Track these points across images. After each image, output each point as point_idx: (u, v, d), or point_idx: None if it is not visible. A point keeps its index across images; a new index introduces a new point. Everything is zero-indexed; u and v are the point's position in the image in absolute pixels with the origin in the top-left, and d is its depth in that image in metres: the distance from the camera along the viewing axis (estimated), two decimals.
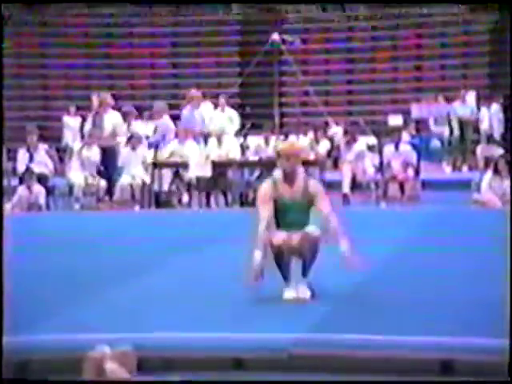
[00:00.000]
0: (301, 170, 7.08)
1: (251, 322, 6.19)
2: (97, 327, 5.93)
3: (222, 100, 17.48)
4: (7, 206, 14.88)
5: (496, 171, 14.31)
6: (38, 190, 15.00)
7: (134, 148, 15.72)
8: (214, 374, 5.40)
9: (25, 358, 5.53)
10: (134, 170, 15.56)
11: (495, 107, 19.29)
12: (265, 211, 6.85)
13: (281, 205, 6.90)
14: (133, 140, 15.87)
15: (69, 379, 4.81)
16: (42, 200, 15.00)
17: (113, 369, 3.83)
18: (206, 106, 16.95)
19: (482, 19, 21.42)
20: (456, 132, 19.37)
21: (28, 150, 15.90)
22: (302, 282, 6.83)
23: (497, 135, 18.98)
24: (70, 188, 15.48)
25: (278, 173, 7.10)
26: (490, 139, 18.84)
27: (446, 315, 6.24)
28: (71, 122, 19.30)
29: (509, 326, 5.48)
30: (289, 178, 6.96)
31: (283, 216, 6.91)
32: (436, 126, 19.74)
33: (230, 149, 15.98)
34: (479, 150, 18.52)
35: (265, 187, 7.04)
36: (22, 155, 15.85)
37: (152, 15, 22.53)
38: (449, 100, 19.83)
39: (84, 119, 17.31)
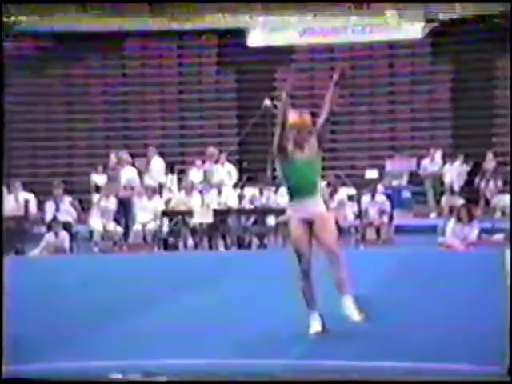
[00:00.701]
0: (312, 139, 6.57)
1: (248, 350, 6.12)
2: (110, 355, 5.84)
3: (222, 157, 17.56)
4: (36, 251, 14.81)
5: (458, 218, 14.33)
6: (63, 235, 14.95)
7: (149, 198, 15.74)
8: None
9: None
10: (145, 218, 15.54)
11: (457, 164, 19.40)
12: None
13: (292, 165, 6.46)
14: (147, 191, 15.90)
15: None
16: (66, 244, 14.95)
17: None
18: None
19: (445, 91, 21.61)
20: (427, 185, 19.46)
21: (54, 201, 15.89)
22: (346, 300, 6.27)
23: (457, 187, 19.06)
24: (90, 233, 15.45)
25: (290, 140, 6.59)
26: (452, 191, 18.90)
27: (420, 344, 6.16)
28: (98, 179, 19.06)
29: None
30: (298, 145, 6.51)
31: (295, 177, 6.46)
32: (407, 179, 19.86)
33: (229, 198, 16.00)
34: (444, 199, 18.56)
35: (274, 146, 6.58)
36: (49, 206, 15.84)
37: (161, 84, 22.71)
38: (418, 157, 19.94)
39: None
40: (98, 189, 18.17)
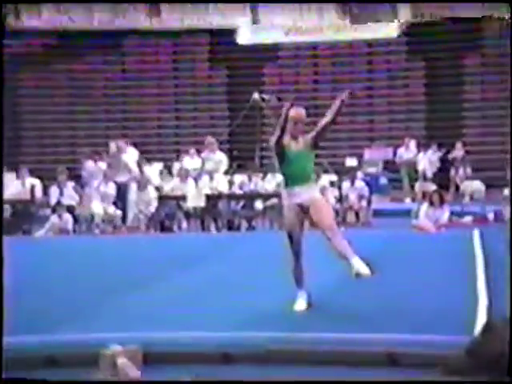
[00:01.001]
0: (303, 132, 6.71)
1: (237, 324, 6.11)
2: (108, 329, 5.83)
3: (214, 145, 17.50)
4: (41, 232, 14.74)
5: (430, 202, 14.36)
6: (67, 218, 14.88)
7: (145, 185, 15.67)
8: (205, 367, 5.31)
9: (49, 352, 5.42)
10: (143, 202, 15.48)
11: (430, 152, 19.43)
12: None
13: (288, 156, 6.56)
14: (143, 179, 15.82)
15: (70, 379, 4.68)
16: (70, 226, 14.89)
17: (123, 363, 3.77)
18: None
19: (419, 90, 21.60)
20: (402, 172, 19.48)
21: (58, 186, 15.81)
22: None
23: (430, 174, 19.10)
24: (92, 217, 15.38)
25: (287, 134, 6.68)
26: (425, 177, 18.93)
27: (398, 318, 6.18)
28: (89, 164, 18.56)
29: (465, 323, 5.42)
30: (294, 136, 6.63)
31: (290, 167, 6.55)
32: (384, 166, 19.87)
33: (220, 184, 15.96)
34: (417, 185, 18.60)
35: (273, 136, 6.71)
36: (54, 191, 15.76)
37: (158, 79, 22.59)
38: (395, 147, 19.95)
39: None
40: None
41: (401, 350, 5.26)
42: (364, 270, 6.39)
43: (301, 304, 6.55)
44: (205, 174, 16.33)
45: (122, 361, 3.73)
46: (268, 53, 22.19)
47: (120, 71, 22.95)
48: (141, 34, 22.58)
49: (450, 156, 19.22)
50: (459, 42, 20.91)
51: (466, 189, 17.94)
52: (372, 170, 19.65)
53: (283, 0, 21.38)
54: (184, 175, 16.03)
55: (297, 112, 6.73)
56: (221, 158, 17.21)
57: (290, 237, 6.55)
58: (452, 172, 18.94)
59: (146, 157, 17.93)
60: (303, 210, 6.52)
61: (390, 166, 19.97)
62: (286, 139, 6.62)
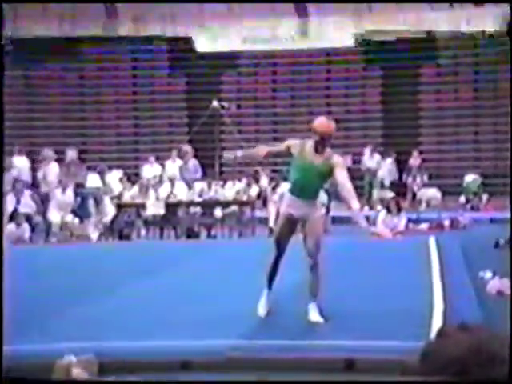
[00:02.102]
0: (328, 148, 6.28)
1: (196, 332, 6.07)
2: (66, 338, 5.74)
3: (173, 153, 17.44)
4: None
5: (388, 210, 14.50)
6: (24, 227, 14.65)
7: (105, 193, 15.53)
8: (164, 374, 5.26)
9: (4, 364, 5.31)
10: (102, 210, 15.32)
11: (388, 161, 19.62)
12: (280, 145, 6.41)
13: (302, 167, 6.23)
14: (103, 188, 15.67)
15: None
16: (26, 235, 14.65)
17: (78, 373, 3.71)
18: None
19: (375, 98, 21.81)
20: (366, 180, 19.63)
21: (15, 194, 15.56)
22: (311, 304, 6.29)
23: (388, 182, 19.28)
24: (49, 225, 15.16)
25: (310, 143, 6.30)
26: (383, 185, 19.11)
27: (354, 324, 6.20)
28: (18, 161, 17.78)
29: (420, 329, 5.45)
30: (318, 151, 6.22)
31: (301, 179, 6.27)
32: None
33: (180, 191, 15.89)
34: (375, 193, 18.77)
35: (296, 141, 6.41)
36: (10, 199, 15.50)
37: (117, 86, 22.41)
38: (353, 155, 20.10)
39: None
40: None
41: (358, 355, 5.27)
42: (317, 319, 6.31)
43: (264, 305, 6.53)
44: (165, 181, 16.26)
45: (76, 371, 3.67)
46: (227, 61, 22.20)
47: (77, 78, 22.72)
48: (99, 40, 22.39)
49: (408, 164, 19.43)
50: (415, 52, 21.19)
51: (423, 196, 18.16)
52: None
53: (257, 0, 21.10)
54: (144, 183, 15.93)
55: (328, 126, 6.31)
56: (180, 166, 17.16)
57: (278, 243, 6.50)
58: (409, 180, 19.16)
59: (105, 164, 17.76)
60: (298, 222, 6.44)
61: (349, 173, 20.12)
62: (310, 150, 6.25)
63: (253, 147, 20.15)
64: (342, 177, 6.22)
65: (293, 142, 6.42)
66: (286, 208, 6.47)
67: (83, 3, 21.54)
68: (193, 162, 17.11)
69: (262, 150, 6.60)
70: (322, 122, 6.30)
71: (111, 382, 3.60)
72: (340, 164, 6.29)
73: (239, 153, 6.56)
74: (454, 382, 1.55)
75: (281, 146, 6.50)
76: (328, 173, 6.30)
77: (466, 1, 20.11)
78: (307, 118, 22.11)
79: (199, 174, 16.86)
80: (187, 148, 17.09)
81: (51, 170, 15.94)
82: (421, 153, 19.85)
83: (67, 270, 9.89)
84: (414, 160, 19.54)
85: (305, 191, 6.34)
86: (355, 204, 6.19)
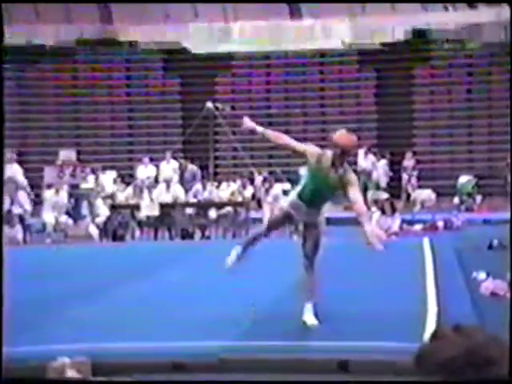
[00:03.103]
0: (345, 163, 6.11)
1: (189, 333, 6.05)
2: (61, 340, 5.71)
3: (168, 154, 17.41)
4: None
5: (382, 211, 14.51)
6: (17, 228, 14.60)
7: (99, 193, 15.49)
8: (157, 376, 5.24)
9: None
10: (96, 211, 15.28)
11: (382, 162, 19.62)
12: (301, 145, 6.20)
13: (316, 178, 6.09)
14: (98, 188, 15.64)
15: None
16: (19, 236, 14.59)
17: (71, 375, 3.68)
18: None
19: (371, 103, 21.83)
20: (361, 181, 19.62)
21: (9, 195, 15.48)
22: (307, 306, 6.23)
23: (383, 183, 19.28)
24: (43, 226, 15.11)
25: (328, 155, 6.07)
26: (378, 186, 19.11)
27: (348, 325, 6.19)
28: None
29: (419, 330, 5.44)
30: (336, 164, 6.02)
31: (312, 189, 6.14)
32: None
33: (175, 193, 15.86)
34: (369, 194, 18.76)
35: (315, 150, 6.15)
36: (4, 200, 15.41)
37: (112, 86, 22.38)
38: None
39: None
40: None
41: (351, 356, 5.26)
42: (312, 321, 6.27)
43: (233, 259, 6.51)
44: (159, 182, 16.24)
45: (70, 373, 3.65)
46: (221, 62, 22.18)
47: (72, 79, 22.67)
48: (93, 41, 22.36)
49: (402, 166, 19.44)
50: (408, 53, 21.22)
51: (417, 197, 18.18)
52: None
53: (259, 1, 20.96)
54: (138, 184, 15.91)
55: (349, 139, 6.08)
56: (174, 167, 17.16)
57: (268, 229, 6.53)
58: (403, 181, 19.17)
59: (100, 165, 17.73)
60: (295, 222, 6.50)
61: None
62: (327, 162, 6.04)
63: (249, 149, 20.14)
64: (355, 196, 6.08)
65: (312, 150, 6.23)
66: (287, 207, 6.41)
67: (79, 3, 21.47)
68: (189, 169, 17.10)
69: (282, 137, 6.36)
70: (343, 135, 6.07)
71: (105, 382, 3.58)
72: (354, 183, 6.13)
73: (259, 128, 6.37)
74: (448, 382, 1.55)
75: (300, 147, 6.31)
76: (340, 188, 6.15)
77: (467, 1, 19.94)
78: (302, 119, 22.18)
79: (197, 179, 16.89)
80: (185, 162, 17.16)
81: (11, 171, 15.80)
82: (415, 154, 19.86)
83: (60, 272, 9.84)
84: (408, 161, 19.56)
85: (314, 201, 6.27)
86: (368, 226, 6.09)
